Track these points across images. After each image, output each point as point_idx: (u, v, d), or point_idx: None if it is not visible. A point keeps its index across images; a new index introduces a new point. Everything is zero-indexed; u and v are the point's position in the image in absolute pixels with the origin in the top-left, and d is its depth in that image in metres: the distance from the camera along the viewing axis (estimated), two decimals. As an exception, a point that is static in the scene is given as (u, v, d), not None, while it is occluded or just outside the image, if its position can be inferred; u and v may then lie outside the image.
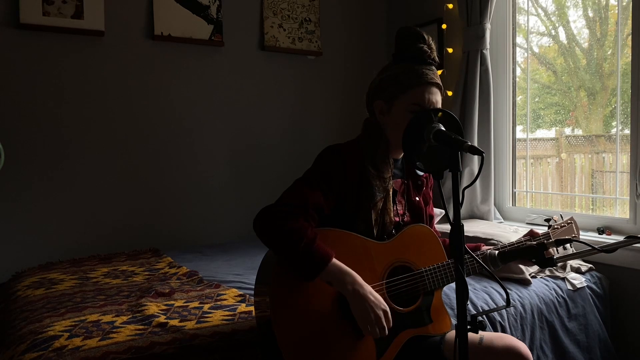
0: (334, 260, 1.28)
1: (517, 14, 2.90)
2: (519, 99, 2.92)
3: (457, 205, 1.08)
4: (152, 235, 2.80)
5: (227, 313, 1.62)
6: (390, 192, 1.46)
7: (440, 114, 1.20)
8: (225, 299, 1.77)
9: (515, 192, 2.92)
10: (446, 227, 1.31)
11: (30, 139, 2.52)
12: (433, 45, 1.47)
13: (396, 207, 1.50)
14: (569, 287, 2.16)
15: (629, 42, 2.34)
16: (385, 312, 1.29)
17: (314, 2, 3.24)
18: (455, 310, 1.11)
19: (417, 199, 1.55)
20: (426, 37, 1.46)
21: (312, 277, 1.27)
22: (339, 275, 1.28)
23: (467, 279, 1.44)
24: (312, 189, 1.36)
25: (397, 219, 1.49)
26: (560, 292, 2.12)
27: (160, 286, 1.92)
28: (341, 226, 1.39)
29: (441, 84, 1.47)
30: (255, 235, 1.33)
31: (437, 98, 1.44)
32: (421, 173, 1.57)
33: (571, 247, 2.24)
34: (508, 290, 1.31)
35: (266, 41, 3.08)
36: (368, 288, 1.29)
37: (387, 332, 1.29)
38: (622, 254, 2.26)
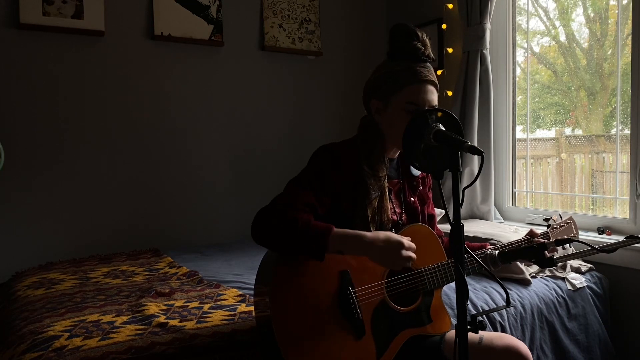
0: (335, 229, 1.27)
1: (517, 14, 2.90)
2: (519, 99, 2.92)
3: (457, 205, 1.08)
4: (152, 235, 2.80)
5: (227, 313, 1.62)
6: (386, 191, 1.46)
7: (440, 113, 1.20)
8: (225, 299, 1.77)
9: (515, 192, 2.92)
10: (446, 227, 1.30)
11: (30, 139, 2.52)
12: (427, 42, 1.45)
13: (393, 206, 1.50)
14: (569, 287, 2.16)
15: (629, 42, 2.34)
16: (401, 245, 1.29)
17: (314, 2, 3.24)
18: (455, 310, 1.11)
19: (413, 199, 1.55)
20: (420, 34, 1.45)
21: (320, 252, 1.25)
22: (345, 239, 1.28)
23: (467, 279, 1.44)
24: (304, 189, 1.36)
25: (394, 217, 1.49)
26: (560, 292, 2.12)
27: (160, 286, 1.92)
28: (339, 227, 1.38)
29: (436, 81, 1.46)
30: (255, 235, 1.33)
31: (432, 96, 1.43)
32: (417, 173, 1.57)
33: (571, 247, 2.24)
34: (508, 290, 1.31)
35: (266, 41, 3.08)
36: (377, 237, 1.29)
37: (415, 257, 1.31)
38: (622, 254, 2.26)
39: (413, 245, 1.32)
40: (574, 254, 1.50)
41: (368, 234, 1.30)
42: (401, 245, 1.29)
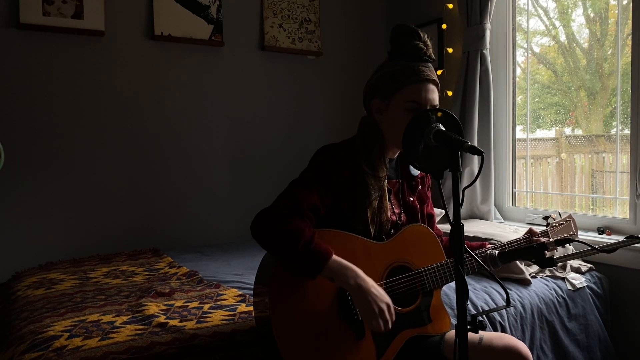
0: (334, 256, 1.27)
1: (517, 14, 2.90)
2: (519, 99, 2.92)
3: (457, 205, 1.08)
4: (152, 235, 2.80)
5: (227, 313, 1.62)
6: (386, 191, 1.46)
7: (440, 113, 1.20)
8: (225, 299, 1.77)
9: (515, 192, 2.92)
10: (446, 227, 1.30)
11: (31, 139, 2.52)
12: (429, 42, 1.46)
13: (392, 206, 1.50)
14: (569, 287, 2.16)
15: (629, 42, 2.34)
16: (388, 305, 1.27)
17: (314, 2, 3.24)
18: (455, 310, 1.11)
19: (412, 199, 1.55)
20: (421, 34, 1.45)
21: (313, 275, 1.26)
22: (341, 270, 1.27)
23: (467, 279, 1.44)
24: (307, 190, 1.36)
25: (393, 217, 1.49)
26: (560, 292, 2.12)
27: (160, 286, 1.92)
28: (339, 227, 1.39)
29: (438, 80, 1.46)
30: (255, 236, 1.33)
31: (433, 95, 1.43)
32: (416, 173, 1.57)
33: (571, 247, 2.24)
34: (508, 290, 1.31)
35: (266, 41, 3.08)
36: (370, 282, 1.28)
37: (390, 325, 1.27)
38: (622, 254, 2.26)
39: (394, 316, 1.29)
40: (574, 254, 1.50)
41: (364, 275, 1.27)
42: (388, 307, 1.27)
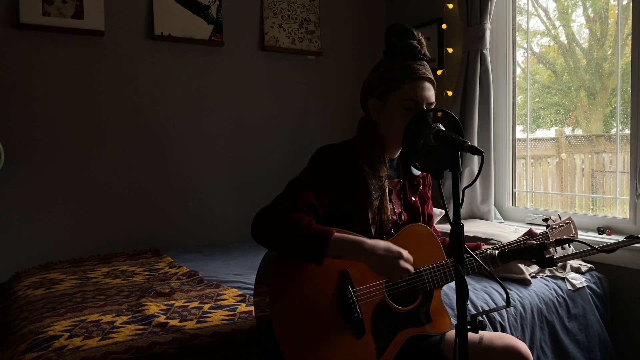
0: (336, 233, 1.27)
1: (517, 14, 2.90)
2: (519, 99, 2.92)
3: (457, 205, 1.08)
4: (152, 235, 2.80)
5: (227, 313, 1.62)
6: (387, 191, 1.46)
7: (440, 113, 1.20)
8: (225, 299, 1.77)
9: (515, 192, 2.92)
10: (446, 227, 1.30)
11: (30, 139, 2.52)
12: (423, 41, 1.47)
13: (393, 206, 1.50)
14: (569, 287, 2.16)
15: (629, 42, 2.34)
16: (399, 254, 1.29)
17: (314, 2, 3.24)
18: (455, 310, 1.11)
19: (413, 199, 1.55)
20: (416, 33, 1.46)
21: (319, 256, 1.25)
22: (345, 246, 1.27)
23: (467, 279, 1.44)
24: (304, 190, 1.36)
25: (394, 217, 1.49)
26: (560, 292, 2.12)
27: (160, 286, 1.92)
28: (339, 227, 1.38)
29: (433, 78, 1.47)
30: (255, 235, 1.33)
31: (429, 92, 1.44)
32: (417, 173, 1.57)
33: (571, 247, 2.24)
34: (508, 290, 1.31)
35: (266, 41, 3.08)
36: (377, 244, 1.29)
37: (413, 269, 1.31)
38: (622, 254, 2.26)
39: (411, 258, 1.32)
40: (574, 254, 1.50)
41: (368, 240, 1.29)
42: (400, 256, 1.29)
